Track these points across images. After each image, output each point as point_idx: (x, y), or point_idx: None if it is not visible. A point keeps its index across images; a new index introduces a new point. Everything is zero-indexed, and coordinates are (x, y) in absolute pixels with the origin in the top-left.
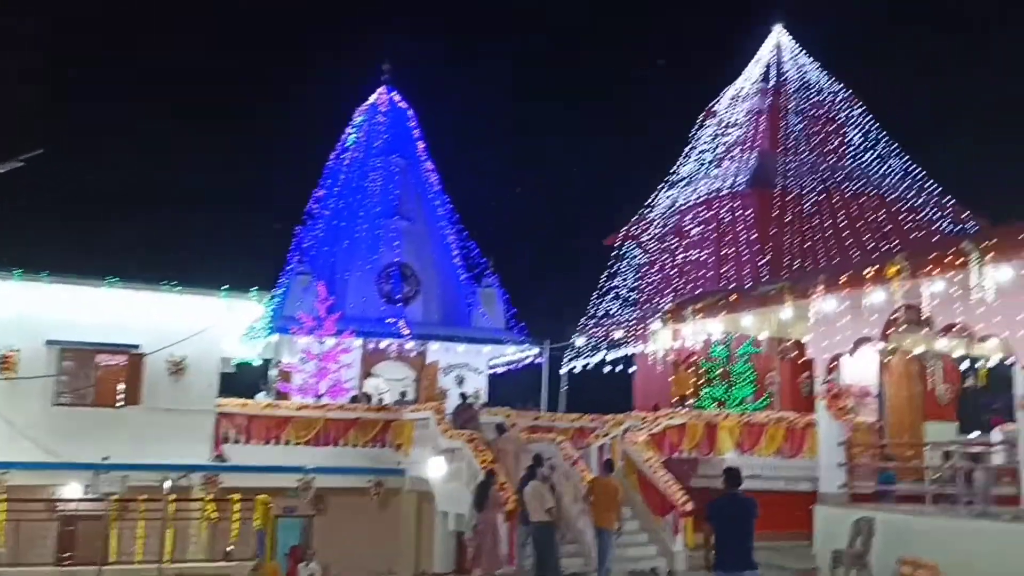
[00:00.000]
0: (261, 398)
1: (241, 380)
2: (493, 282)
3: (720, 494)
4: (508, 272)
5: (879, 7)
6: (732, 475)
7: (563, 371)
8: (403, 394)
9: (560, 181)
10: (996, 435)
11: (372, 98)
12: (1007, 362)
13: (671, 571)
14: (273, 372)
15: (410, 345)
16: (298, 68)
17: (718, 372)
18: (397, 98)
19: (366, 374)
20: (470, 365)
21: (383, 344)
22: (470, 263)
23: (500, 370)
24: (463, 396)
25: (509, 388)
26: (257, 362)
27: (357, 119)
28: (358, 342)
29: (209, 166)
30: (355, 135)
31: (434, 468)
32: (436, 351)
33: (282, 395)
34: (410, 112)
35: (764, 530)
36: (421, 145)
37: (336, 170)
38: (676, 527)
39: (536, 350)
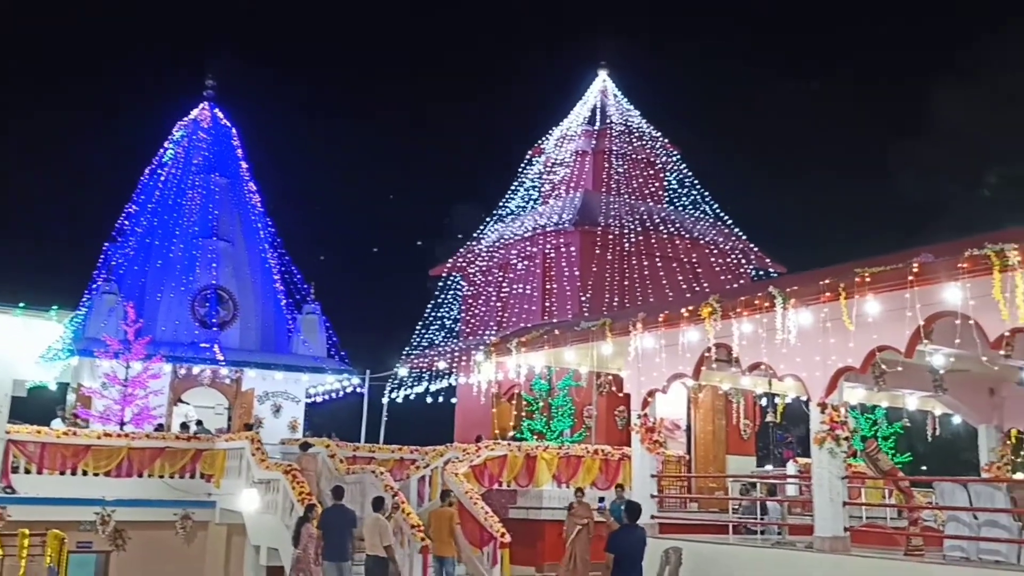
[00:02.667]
0: (57, 425)
1: (36, 405)
2: (315, 309)
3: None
4: (331, 299)
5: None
6: (633, 509)
7: (385, 401)
8: (199, 422)
9: (387, 210)
10: (790, 468)
11: (194, 113)
12: (802, 399)
13: None
14: (72, 397)
15: (225, 371)
16: (117, 78)
17: (539, 405)
18: (220, 115)
19: (176, 401)
20: (288, 393)
21: (196, 370)
22: (291, 289)
23: (319, 399)
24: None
25: (328, 417)
26: (54, 386)
27: (176, 134)
28: (168, 367)
29: (11, 174)
30: (173, 150)
31: (248, 500)
32: (253, 378)
33: (81, 422)
34: (234, 131)
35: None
36: (244, 165)
37: (151, 186)
38: (494, 558)
39: (357, 379)
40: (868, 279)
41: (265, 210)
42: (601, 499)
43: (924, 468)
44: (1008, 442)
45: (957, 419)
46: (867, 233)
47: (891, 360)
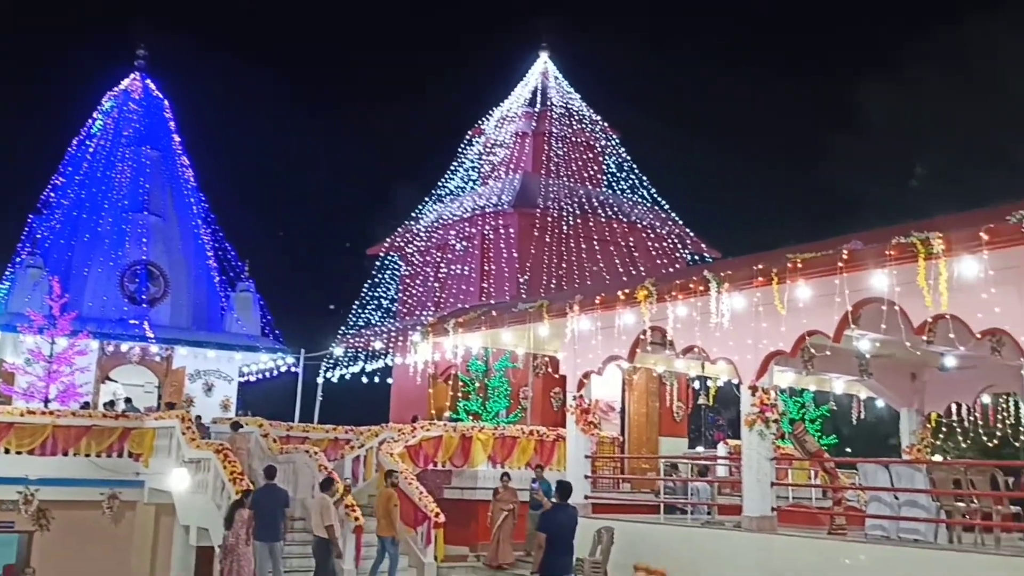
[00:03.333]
0: None
1: None
2: (249, 287)
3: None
4: (266, 277)
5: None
6: (564, 488)
7: (319, 381)
8: (128, 400)
9: (325, 188)
10: (721, 449)
11: (124, 84)
12: (734, 382)
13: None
14: None
15: (155, 349)
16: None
17: (475, 386)
18: (152, 86)
19: (103, 378)
20: (221, 372)
21: (124, 347)
22: (225, 266)
23: (253, 378)
24: (235, 420)
25: (262, 397)
26: None
27: (105, 104)
28: (95, 344)
29: None
30: (102, 121)
31: (178, 479)
32: (184, 356)
33: (3, 398)
34: (166, 103)
35: (517, 539)
36: (176, 138)
37: (79, 158)
38: (428, 538)
39: (291, 358)
40: (800, 265)
41: (198, 185)
42: (534, 480)
43: (849, 450)
44: (928, 425)
45: (881, 403)
46: (800, 220)
47: (820, 344)
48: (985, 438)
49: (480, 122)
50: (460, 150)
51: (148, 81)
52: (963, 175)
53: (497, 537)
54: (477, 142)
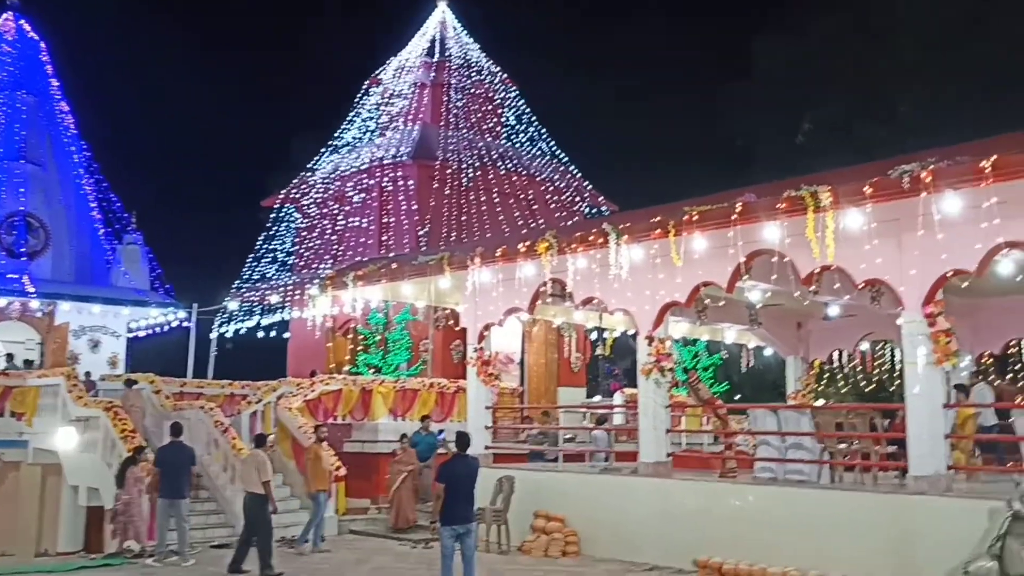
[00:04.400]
0: None
1: None
2: (137, 239)
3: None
4: (155, 230)
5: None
6: (463, 439)
7: (213, 336)
8: (10, 357)
9: (218, 138)
10: (618, 398)
11: None
12: (630, 333)
13: (322, 537)
14: None
15: (35, 304)
16: None
17: (375, 339)
18: (27, 27)
19: None
20: (107, 328)
21: (3, 302)
22: (110, 217)
23: (142, 334)
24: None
25: (153, 353)
26: None
27: None
28: None
29: None
30: None
31: (64, 439)
32: (67, 312)
33: None
34: (42, 45)
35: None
36: (55, 83)
37: None
38: (329, 491)
39: (183, 313)
40: (695, 217)
41: (80, 133)
42: (440, 431)
43: (739, 397)
44: (812, 372)
45: (769, 351)
46: (698, 171)
47: (713, 295)
48: (863, 383)
49: (378, 72)
50: (357, 100)
51: (23, 22)
52: (854, 127)
53: (398, 499)
54: (375, 92)
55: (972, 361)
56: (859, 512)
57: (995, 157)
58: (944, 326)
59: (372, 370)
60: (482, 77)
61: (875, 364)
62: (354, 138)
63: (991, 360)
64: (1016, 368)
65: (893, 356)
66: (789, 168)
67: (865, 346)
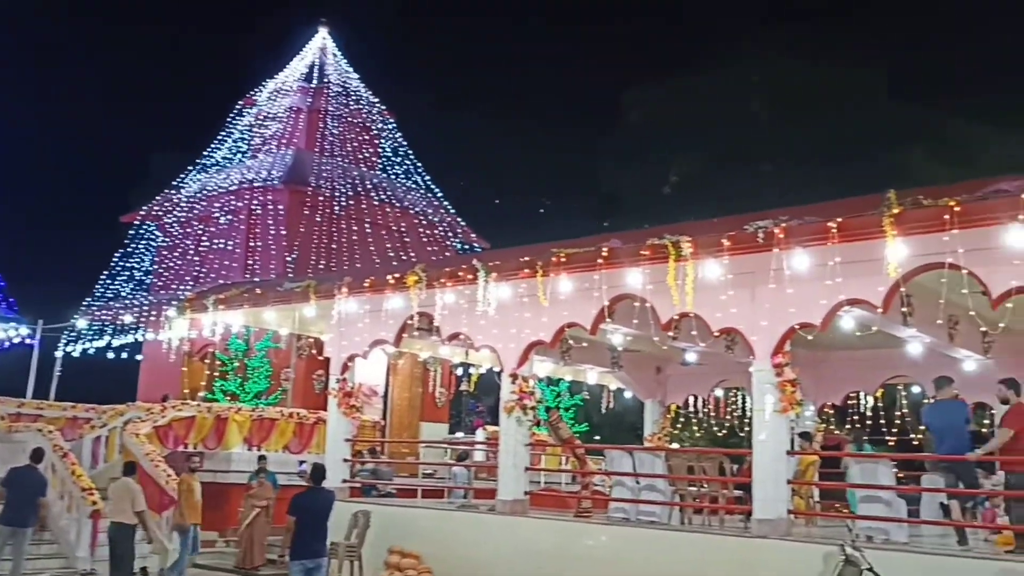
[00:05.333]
0: None
1: None
2: None
3: (304, 489)
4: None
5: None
6: (318, 471)
7: (59, 354)
8: None
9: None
10: (480, 435)
11: None
12: (495, 370)
13: (161, 569)
14: None
15: None
16: None
17: (234, 365)
18: None
19: None
20: None
21: None
22: None
23: None
24: None
25: None
26: None
27: None
28: None
29: None
30: None
31: None
32: None
33: None
34: None
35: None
36: None
37: None
38: (143, 523)
39: (27, 329)
40: (563, 259)
41: None
42: (301, 462)
43: (598, 437)
44: (668, 415)
45: (629, 394)
46: (565, 215)
47: (577, 336)
48: (716, 428)
49: (253, 92)
50: (230, 120)
51: None
52: (716, 179)
53: (249, 537)
54: (248, 113)
55: (815, 411)
56: (707, 553)
57: (840, 219)
58: (790, 376)
59: (229, 397)
60: (360, 106)
61: (727, 410)
62: (224, 158)
63: (832, 410)
64: (854, 419)
65: (744, 403)
66: (655, 216)
67: (719, 392)
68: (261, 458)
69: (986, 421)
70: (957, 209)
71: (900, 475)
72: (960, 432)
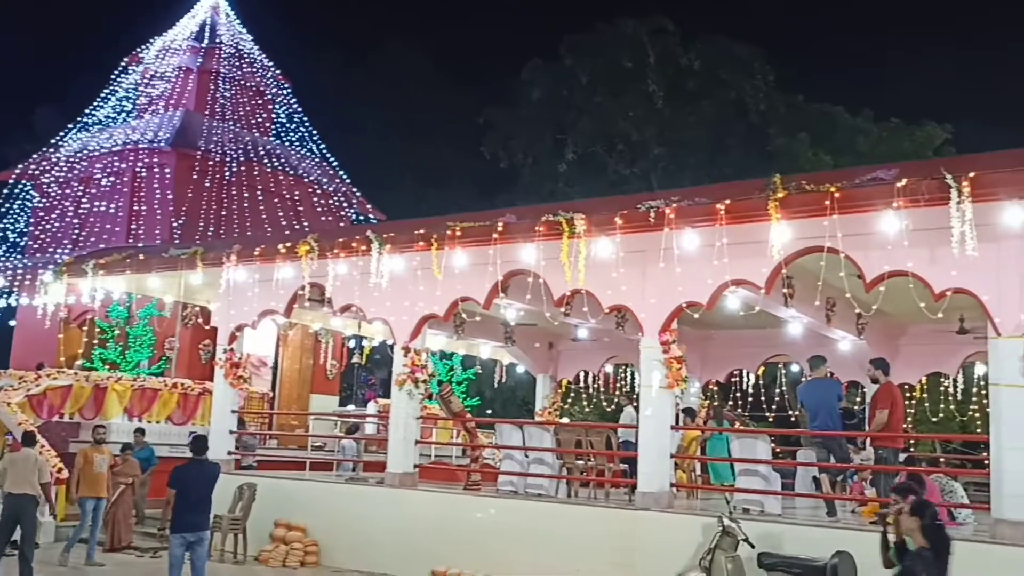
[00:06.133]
0: None
1: None
2: None
3: (186, 461)
4: None
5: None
6: (199, 442)
7: None
8: None
9: None
10: (371, 408)
11: None
12: (388, 343)
13: (37, 544)
14: None
15: None
16: None
17: (115, 333)
18: None
19: None
20: None
21: None
22: None
23: None
24: None
25: None
26: None
27: None
28: None
29: None
30: None
31: None
32: None
33: None
34: None
35: (153, 496)
36: None
37: None
38: (47, 496)
39: None
40: (458, 233)
41: None
42: (190, 433)
43: (490, 411)
44: (559, 390)
45: (521, 368)
46: (463, 189)
47: (471, 311)
48: (605, 403)
49: (139, 50)
50: (114, 77)
51: None
52: (609, 162)
53: (112, 516)
54: (134, 71)
55: (700, 387)
56: (591, 525)
57: (728, 201)
58: (677, 353)
59: (109, 366)
60: (254, 70)
61: (617, 386)
62: (107, 117)
63: (716, 387)
64: (736, 396)
65: (632, 379)
66: (549, 193)
67: (609, 368)
68: (139, 431)
69: (858, 399)
70: (837, 195)
71: (777, 450)
72: (832, 409)
